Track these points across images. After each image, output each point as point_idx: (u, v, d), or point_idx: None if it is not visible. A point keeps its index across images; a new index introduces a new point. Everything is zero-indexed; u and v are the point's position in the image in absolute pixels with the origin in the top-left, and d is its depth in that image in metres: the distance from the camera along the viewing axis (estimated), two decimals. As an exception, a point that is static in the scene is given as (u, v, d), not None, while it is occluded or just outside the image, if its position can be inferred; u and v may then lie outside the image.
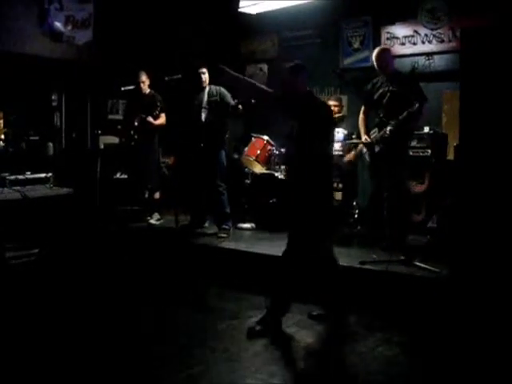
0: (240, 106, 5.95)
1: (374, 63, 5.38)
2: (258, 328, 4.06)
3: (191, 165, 6.36)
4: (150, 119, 6.52)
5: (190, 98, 6.28)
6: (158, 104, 6.59)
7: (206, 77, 6.21)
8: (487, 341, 3.72)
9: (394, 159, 5.17)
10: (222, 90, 6.18)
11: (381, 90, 5.33)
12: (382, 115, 5.30)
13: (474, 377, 3.37)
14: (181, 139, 6.61)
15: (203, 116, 6.15)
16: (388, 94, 5.24)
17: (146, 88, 6.73)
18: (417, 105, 4.93)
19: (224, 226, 6.15)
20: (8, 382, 3.32)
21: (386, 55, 5.37)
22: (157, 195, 6.89)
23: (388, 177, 5.21)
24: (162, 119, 6.66)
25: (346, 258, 4.99)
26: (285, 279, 4.08)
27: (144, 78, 6.70)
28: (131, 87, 6.77)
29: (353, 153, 6.29)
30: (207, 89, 6.20)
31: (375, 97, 5.39)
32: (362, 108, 5.66)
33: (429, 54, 6.93)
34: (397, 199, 5.16)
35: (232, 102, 6.02)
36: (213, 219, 6.45)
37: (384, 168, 5.25)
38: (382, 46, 5.66)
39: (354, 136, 6.34)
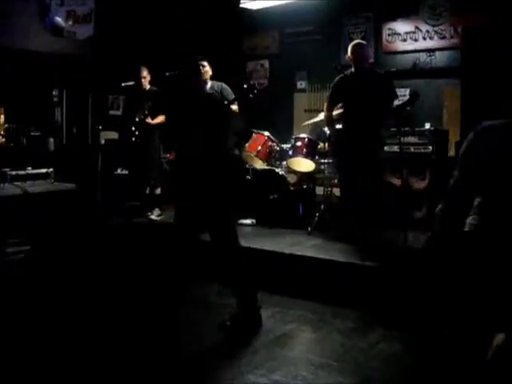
0: (234, 107, 5.97)
1: (350, 57, 5.42)
2: (228, 323, 4.09)
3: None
4: (149, 120, 6.53)
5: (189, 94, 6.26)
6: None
7: (206, 70, 6.18)
8: (488, 336, 3.73)
9: (367, 154, 5.25)
10: (224, 85, 6.16)
11: (350, 86, 5.40)
12: (348, 111, 5.42)
13: (474, 373, 3.37)
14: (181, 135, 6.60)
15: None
16: (357, 90, 5.32)
17: (146, 84, 6.72)
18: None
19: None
20: (7, 381, 3.32)
21: (363, 50, 5.41)
22: (158, 191, 6.90)
23: (360, 173, 5.29)
24: (161, 116, 6.66)
25: (347, 254, 5.02)
26: (238, 267, 4.17)
27: (145, 73, 6.68)
28: (131, 83, 6.76)
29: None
30: (209, 84, 6.18)
31: (343, 92, 5.51)
32: (326, 106, 5.73)
33: (430, 51, 6.93)
34: (370, 195, 5.24)
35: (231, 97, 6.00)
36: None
37: (355, 165, 5.33)
38: (359, 40, 5.66)
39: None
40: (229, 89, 6.16)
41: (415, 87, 6.96)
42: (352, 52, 5.40)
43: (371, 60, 7.27)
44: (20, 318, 4.21)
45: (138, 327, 4.17)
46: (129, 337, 3.99)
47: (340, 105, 5.76)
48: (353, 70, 5.47)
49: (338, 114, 5.84)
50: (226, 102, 5.95)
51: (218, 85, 6.18)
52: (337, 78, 5.59)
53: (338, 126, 5.73)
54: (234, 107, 6.10)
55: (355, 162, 5.33)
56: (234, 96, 6.04)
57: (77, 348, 3.73)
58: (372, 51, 7.43)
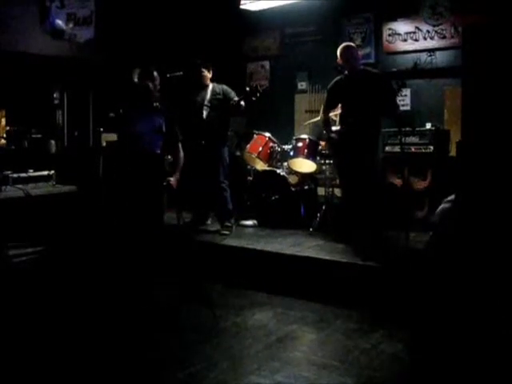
0: (242, 103, 5.95)
1: (339, 60, 5.45)
2: None
3: (193, 162, 6.34)
4: None
5: (192, 95, 6.26)
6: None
7: (207, 75, 6.20)
8: (488, 336, 3.73)
9: (366, 154, 5.26)
10: (225, 87, 6.18)
11: (345, 89, 5.44)
12: (345, 113, 5.46)
13: (476, 372, 3.38)
14: (182, 136, 6.59)
15: (204, 113, 6.15)
16: (352, 92, 5.34)
17: None
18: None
19: (226, 223, 6.16)
20: (9, 382, 3.33)
21: (351, 52, 5.44)
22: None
23: (360, 174, 5.30)
24: None
25: (348, 254, 5.02)
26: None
27: None
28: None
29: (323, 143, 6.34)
30: (211, 87, 6.20)
31: (338, 95, 5.57)
32: (322, 109, 5.79)
33: (431, 51, 6.92)
34: (370, 195, 5.26)
35: (235, 98, 6.00)
36: (215, 216, 6.45)
37: (355, 166, 5.33)
38: (347, 43, 5.69)
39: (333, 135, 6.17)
40: (231, 91, 6.16)
41: (416, 87, 6.98)
42: (341, 55, 5.44)
43: (371, 60, 7.32)
44: (21, 320, 4.22)
45: (140, 328, 4.18)
46: (131, 337, 3.99)
47: (339, 106, 5.79)
48: (346, 72, 5.50)
49: (335, 115, 5.86)
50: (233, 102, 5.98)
51: (220, 87, 6.19)
52: (332, 82, 5.65)
53: (335, 128, 5.73)
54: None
55: (354, 163, 5.34)
56: (236, 98, 6.05)
57: (77, 349, 3.74)
58: (373, 52, 7.46)
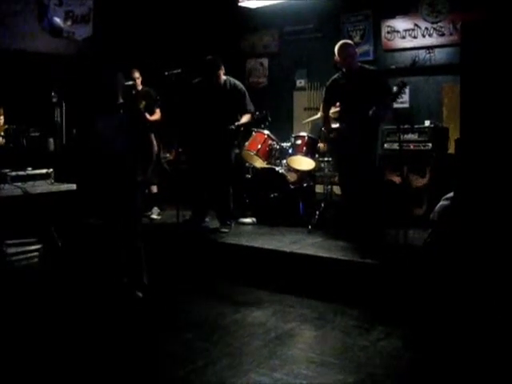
0: (242, 129, 6.01)
1: (337, 58, 5.45)
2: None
3: (196, 160, 6.29)
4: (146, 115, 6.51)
5: (199, 94, 6.17)
6: (158, 98, 6.60)
7: (222, 74, 6.12)
8: (487, 333, 3.73)
9: (363, 152, 5.27)
10: (236, 83, 6.09)
11: (342, 86, 5.45)
12: (343, 110, 5.48)
13: (475, 369, 3.38)
14: (186, 134, 6.55)
15: (212, 112, 6.05)
16: (350, 90, 5.34)
17: (139, 84, 6.74)
18: (373, 109, 5.13)
19: (226, 221, 6.15)
20: (8, 383, 3.33)
21: (349, 50, 5.43)
22: (154, 189, 6.88)
23: (358, 171, 5.30)
24: (157, 115, 6.68)
25: (347, 251, 5.02)
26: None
27: (137, 75, 6.70)
28: (131, 83, 6.74)
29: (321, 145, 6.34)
30: (222, 83, 6.12)
31: (336, 93, 5.57)
32: (321, 106, 5.80)
33: (429, 48, 6.93)
34: (368, 192, 5.26)
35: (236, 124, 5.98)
36: (214, 214, 6.44)
37: (352, 163, 5.35)
38: (345, 41, 5.68)
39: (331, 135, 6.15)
40: (240, 86, 6.11)
41: (415, 85, 6.97)
42: (338, 53, 5.44)
43: (370, 58, 7.32)
44: (19, 319, 4.23)
45: (139, 326, 4.19)
46: (131, 335, 4.00)
47: (338, 104, 5.78)
48: (344, 70, 5.50)
49: (335, 112, 5.85)
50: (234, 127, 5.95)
51: (231, 81, 6.11)
52: (329, 80, 5.65)
53: (335, 125, 5.73)
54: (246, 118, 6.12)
55: (352, 160, 5.34)
56: (245, 93, 6.06)
57: (77, 347, 3.74)
58: (371, 49, 7.46)
